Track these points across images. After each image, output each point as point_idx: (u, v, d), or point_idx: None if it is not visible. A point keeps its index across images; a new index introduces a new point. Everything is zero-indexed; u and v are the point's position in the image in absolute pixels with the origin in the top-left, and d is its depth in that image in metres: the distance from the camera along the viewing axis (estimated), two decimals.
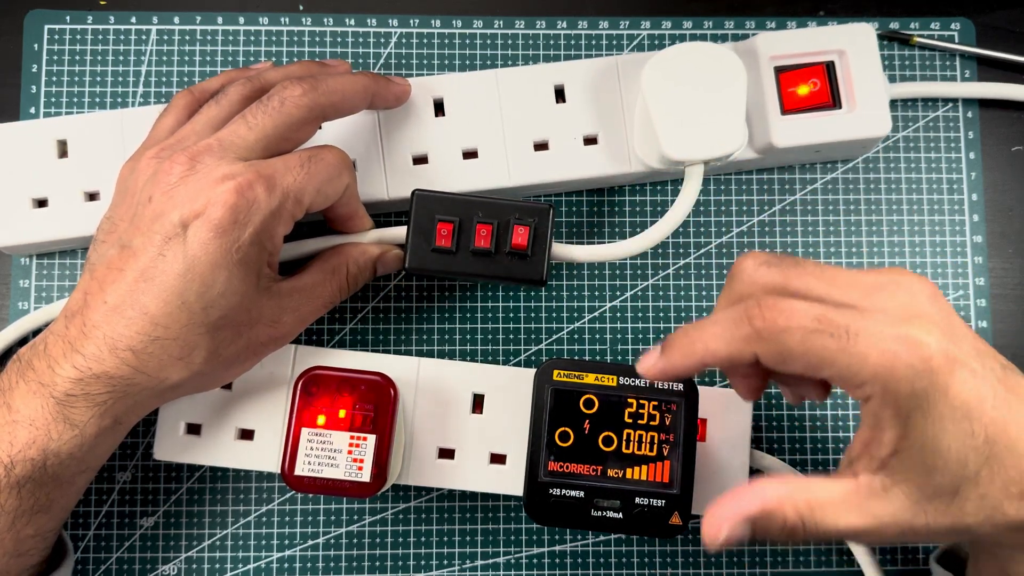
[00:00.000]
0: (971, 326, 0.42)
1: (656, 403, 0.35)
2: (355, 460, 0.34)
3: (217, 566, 0.40)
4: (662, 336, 0.42)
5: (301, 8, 0.43)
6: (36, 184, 0.39)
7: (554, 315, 0.42)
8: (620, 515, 0.34)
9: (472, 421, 0.38)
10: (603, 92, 0.40)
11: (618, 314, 0.42)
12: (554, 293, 0.42)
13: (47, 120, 0.40)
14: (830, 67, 0.39)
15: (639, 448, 0.35)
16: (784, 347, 0.26)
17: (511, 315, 0.42)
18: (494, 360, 0.41)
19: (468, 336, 0.42)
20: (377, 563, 0.40)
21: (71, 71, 0.42)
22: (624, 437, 0.35)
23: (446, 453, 0.37)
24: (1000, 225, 0.43)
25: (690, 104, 0.37)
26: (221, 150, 0.33)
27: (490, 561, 0.40)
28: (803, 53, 0.39)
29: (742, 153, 0.40)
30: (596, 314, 0.42)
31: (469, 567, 0.40)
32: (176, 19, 0.43)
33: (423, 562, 0.40)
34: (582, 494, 0.35)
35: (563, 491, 0.35)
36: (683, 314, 0.42)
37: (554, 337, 0.42)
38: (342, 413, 0.34)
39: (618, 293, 0.42)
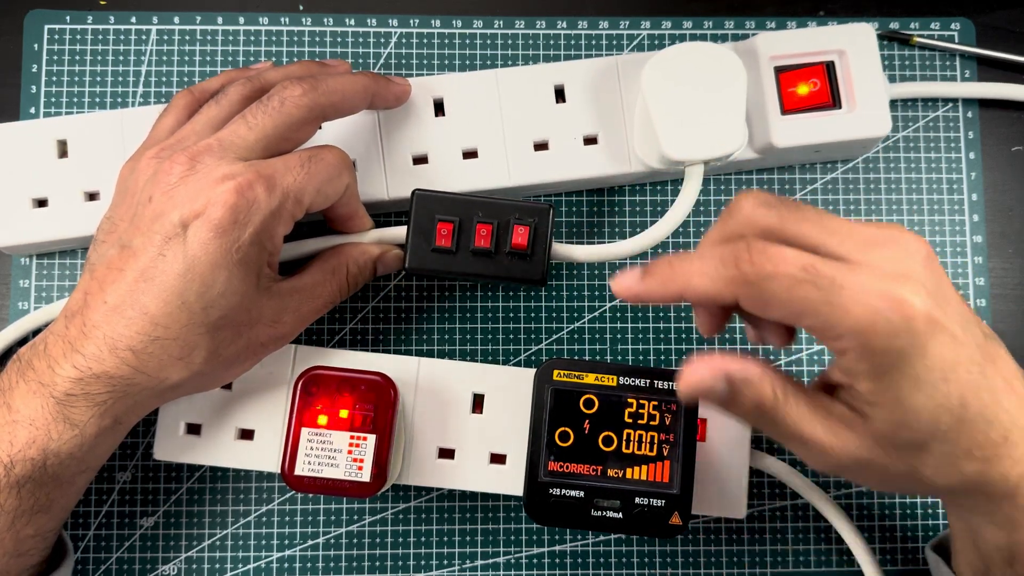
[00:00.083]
0: None
1: (656, 403, 0.35)
2: (355, 460, 0.34)
3: (217, 566, 0.40)
4: (662, 337, 0.42)
5: (301, 8, 0.43)
6: (36, 184, 0.39)
7: (554, 315, 0.42)
8: (620, 515, 0.34)
9: (472, 421, 0.38)
10: (603, 92, 0.40)
11: (618, 314, 0.42)
12: (554, 293, 0.42)
13: (47, 120, 0.40)
14: (830, 67, 0.39)
15: (639, 448, 0.35)
16: (768, 293, 0.26)
17: (511, 315, 0.42)
18: (494, 360, 0.41)
19: (468, 336, 0.42)
20: (377, 563, 0.40)
21: (71, 71, 0.42)
22: (624, 437, 0.35)
23: (446, 453, 0.38)
24: (1000, 225, 0.43)
25: (690, 104, 0.37)
26: (221, 150, 0.33)
27: (490, 561, 0.40)
28: (803, 53, 0.39)
29: (742, 153, 0.40)
30: (596, 314, 0.42)
31: (469, 567, 0.40)
32: (176, 19, 0.43)
33: (423, 562, 0.40)
34: (582, 494, 0.35)
35: (563, 491, 0.35)
36: (683, 314, 0.42)
37: (554, 337, 0.42)
38: (343, 413, 0.34)
39: None
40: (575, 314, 0.42)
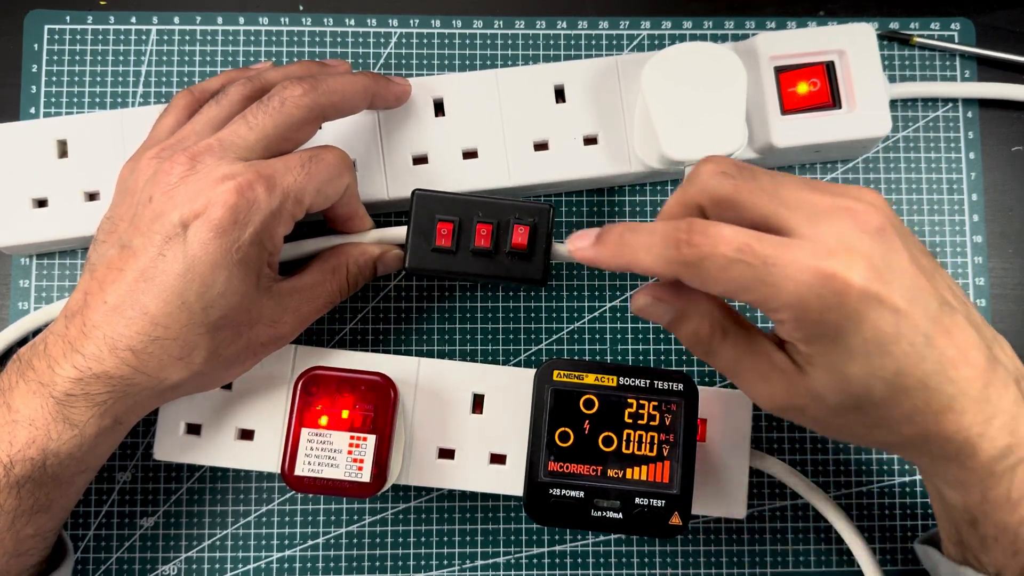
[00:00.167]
0: None
1: (656, 403, 0.35)
2: (355, 460, 0.34)
3: (217, 566, 0.40)
4: (662, 337, 0.42)
5: (301, 8, 0.43)
6: (36, 184, 0.39)
7: (554, 315, 0.42)
8: (620, 515, 0.34)
9: (472, 421, 0.38)
10: (603, 92, 0.40)
11: (618, 314, 0.42)
12: (554, 293, 0.42)
13: (47, 120, 0.40)
14: (830, 67, 0.39)
15: (639, 448, 0.35)
16: (705, 273, 0.27)
17: (511, 315, 0.42)
18: (494, 360, 0.41)
19: (468, 336, 0.42)
20: (377, 563, 0.40)
21: (71, 71, 0.42)
22: (624, 437, 0.35)
23: (446, 453, 0.37)
24: (1000, 225, 0.43)
25: (690, 104, 0.37)
26: (221, 150, 0.33)
27: (490, 561, 0.40)
28: (803, 53, 0.39)
29: (742, 153, 0.40)
30: (596, 314, 0.42)
31: (469, 567, 0.40)
32: (176, 19, 0.43)
33: (423, 562, 0.40)
34: (582, 494, 0.35)
35: (563, 491, 0.35)
36: None
37: (554, 337, 0.42)
38: (343, 413, 0.34)
39: (618, 293, 0.42)
40: (575, 314, 0.42)
